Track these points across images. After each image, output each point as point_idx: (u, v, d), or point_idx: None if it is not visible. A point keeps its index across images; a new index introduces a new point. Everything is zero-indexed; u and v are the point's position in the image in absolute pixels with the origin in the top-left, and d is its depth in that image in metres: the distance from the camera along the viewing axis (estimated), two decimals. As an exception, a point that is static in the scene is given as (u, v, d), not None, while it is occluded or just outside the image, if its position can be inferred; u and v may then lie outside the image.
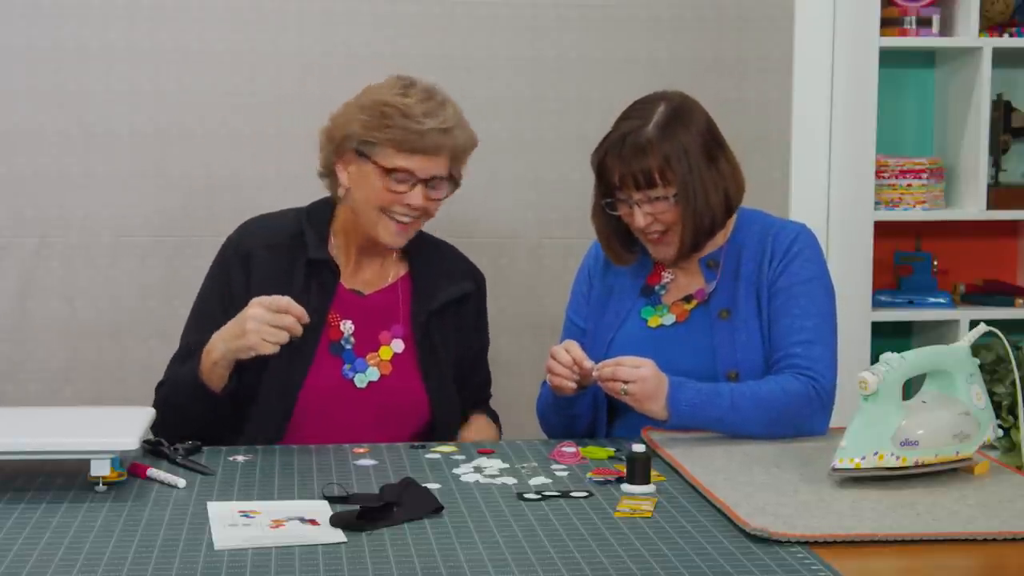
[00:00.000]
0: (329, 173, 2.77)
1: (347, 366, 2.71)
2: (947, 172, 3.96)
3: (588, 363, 2.53)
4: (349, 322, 2.74)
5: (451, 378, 2.78)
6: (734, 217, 2.71)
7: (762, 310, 2.63)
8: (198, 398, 2.61)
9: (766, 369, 2.61)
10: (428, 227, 2.92)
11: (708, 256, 2.69)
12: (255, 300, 2.55)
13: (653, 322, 2.69)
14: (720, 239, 2.70)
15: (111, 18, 3.47)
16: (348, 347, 2.72)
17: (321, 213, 2.80)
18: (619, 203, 2.65)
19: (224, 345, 2.58)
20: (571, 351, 2.56)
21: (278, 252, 2.74)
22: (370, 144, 2.67)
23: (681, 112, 2.62)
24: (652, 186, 2.59)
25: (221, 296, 2.74)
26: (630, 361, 2.49)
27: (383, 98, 2.69)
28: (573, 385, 2.55)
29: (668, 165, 2.57)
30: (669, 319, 2.68)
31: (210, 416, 2.62)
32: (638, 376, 2.47)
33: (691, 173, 2.58)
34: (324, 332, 2.71)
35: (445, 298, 2.79)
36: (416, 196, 2.68)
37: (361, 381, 2.71)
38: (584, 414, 2.67)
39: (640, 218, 2.62)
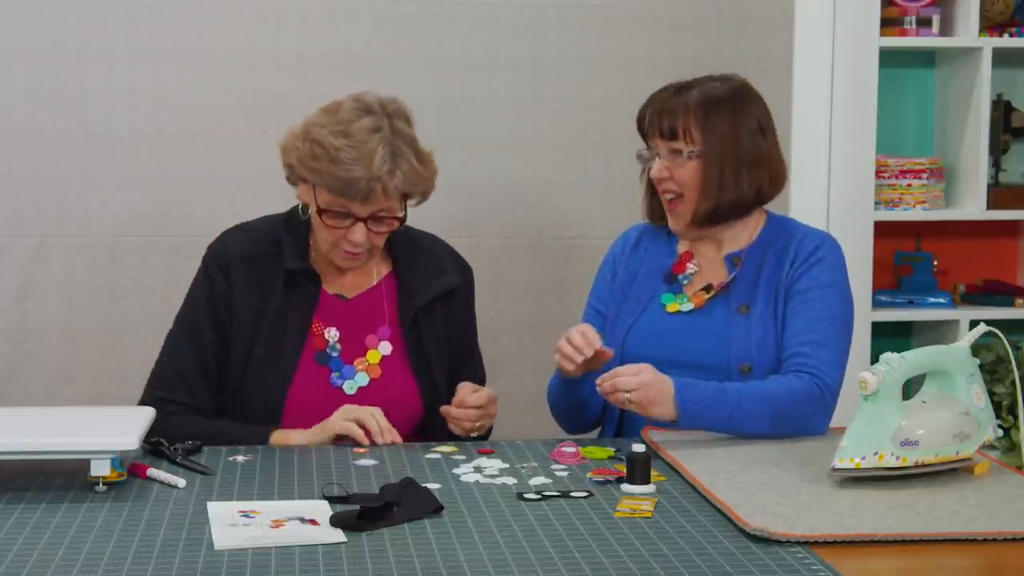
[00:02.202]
0: (294, 183, 2.74)
1: (335, 374, 2.69)
2: (947, 172, 3.96)
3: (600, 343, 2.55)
4: (334, 329, 2.70)
5: (444, 374, 2.75)
6: (764, 218, 2.73)
7: (779, 310, 2.63)
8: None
9: (777, 369, 2.61)
10: (426, 225, 2.92)
11: (733, 253, 2.70)
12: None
13: (671, 308, 2.70)
14: (748, 237, 2.71)
15: (111, 18, 3.47)
16: (334, 355, 2.69)
17: (299, 220, 2.73)
18: (649, 155, 2.69)
19: (307, 440, 2.58)
20: (587, 335, 2.55)
21: (256, 263, 2.69)
22: (306, 179, 2.65)
23: (734, 93, 2.67)
24: (674, 138, 2.63)
25: (207, 305, 2.70)
26: (628, 369, 2.49)
27: (318, 135, 2.62)
28: (572, 366, 2.56)
29: (697, 125, 2.62)
30: (687, 306, 2.69)
31: None
32: (639, 383, 2.46)
33: (722, 141, 2.62)
34: (308, 342, 2.68)
35: (432, 294, 2.74)
36: (358, 233, 2.62)
37: (350, 388, 2.68)
38: (592, 399, 2.67)
39: (656, 168, 2.65)
